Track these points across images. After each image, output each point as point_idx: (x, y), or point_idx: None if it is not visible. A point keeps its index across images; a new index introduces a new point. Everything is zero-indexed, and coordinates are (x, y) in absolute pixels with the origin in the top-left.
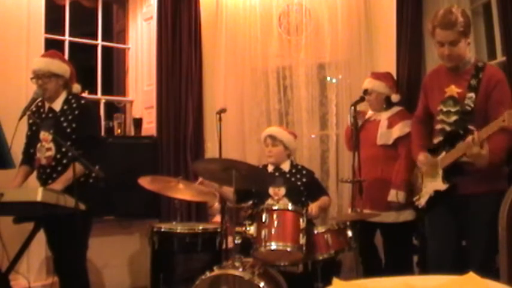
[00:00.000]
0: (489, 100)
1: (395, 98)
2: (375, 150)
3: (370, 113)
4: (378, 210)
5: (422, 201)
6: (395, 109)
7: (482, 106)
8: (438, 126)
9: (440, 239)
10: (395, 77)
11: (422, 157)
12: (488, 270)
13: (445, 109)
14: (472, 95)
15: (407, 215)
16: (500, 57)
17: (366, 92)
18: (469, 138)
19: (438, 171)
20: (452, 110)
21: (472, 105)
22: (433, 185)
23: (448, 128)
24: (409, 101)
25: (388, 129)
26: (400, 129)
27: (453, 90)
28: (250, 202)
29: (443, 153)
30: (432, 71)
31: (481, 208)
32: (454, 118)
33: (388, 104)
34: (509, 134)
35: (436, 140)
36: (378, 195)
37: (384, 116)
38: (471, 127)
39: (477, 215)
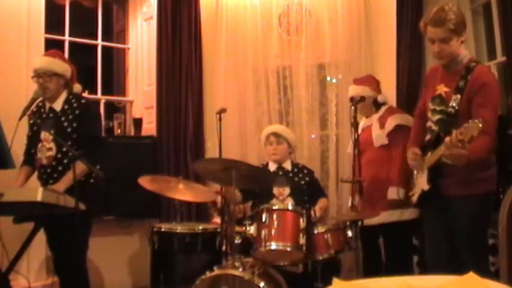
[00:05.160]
0: (472, 103)
1: (381, 98)
2: (374, 153)
3: (361, 123)
4: (380, 210)
5: (415, 198)
6: (383, 108)
7: (465, 108)
8: (427, 124)
9: (432, 238)
10: (395, 77)
11: (409, 153)
12: (482, 271)
13: (432, 107)
14: (457, 96)
15: (410, 213)
16: (500, 57)
17: (352, 99)
18: (447, 139)
19: (425, 170)
20: (438, 108)
21: (457, 107)
22: (421, 183)
23: (434, 127)
24: (409, 100)
25: (381, 129)
26: (388, 125)
27: (442, 89)
28: (251, 203)
29: (429, 153)
30: (433, 67)
31: (460, 211)
32: (437, 117)
33: (376, 106)
34: (490, 136)
35: (426, 138)
36: (379, 195)
37: (375, 118)
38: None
39: (457, 217)
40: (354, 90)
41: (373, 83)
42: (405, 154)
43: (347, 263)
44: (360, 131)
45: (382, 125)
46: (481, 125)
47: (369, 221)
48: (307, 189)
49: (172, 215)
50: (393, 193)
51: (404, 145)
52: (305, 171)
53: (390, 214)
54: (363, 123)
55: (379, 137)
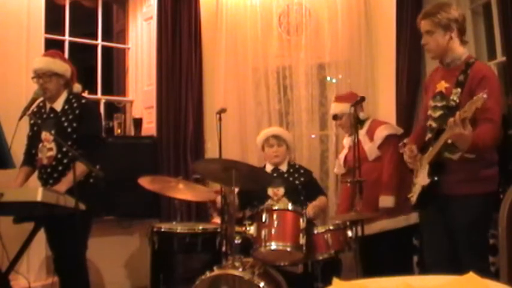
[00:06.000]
0: (474, 96)
1: (363, 115)
2: (369, 166)
3: (345, 141)
4: (382, 218)
5: (413, 198)
6: (367, 123)
7: (466, 102)
8: (427, 123)
9: (431, 238)
10: (394, 76)
11: (406, 150)
12: (482, 271)
13: (433, 104)
14: (458, 90)
15: (416, 217)
16: (500, 57)
17: (335, 117)
18: (451, 119)
19: (425, 166)
20: (439, 104)
21: (457, 101)
22: (421, 180)
23: (434, 124)
24: (409, 100)
25: (371, 142)
26: (379, 134)
27: (442, 85)
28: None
29: (430, 149)
30: (432, 71)
31: (462, 210)
32: (439, 113)
33: (360, 122)
34: (494, 124)
35: (427, 137)
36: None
37: (362, 134)
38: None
39: (458, 217)
40: (336, 108)
41: (355, 99)
42: (396, 160)
43: (347, 263)
44: (347, 151)
45: (370, 138)
46: (485, 96)
47: (370, 229)
48: (304, 189)
49: (172, 215)
50: (385, 201)
51: (393, 152)
52: (301, 172)
53: (397, 221)
54: (348, 141)
55: (371, 149)
